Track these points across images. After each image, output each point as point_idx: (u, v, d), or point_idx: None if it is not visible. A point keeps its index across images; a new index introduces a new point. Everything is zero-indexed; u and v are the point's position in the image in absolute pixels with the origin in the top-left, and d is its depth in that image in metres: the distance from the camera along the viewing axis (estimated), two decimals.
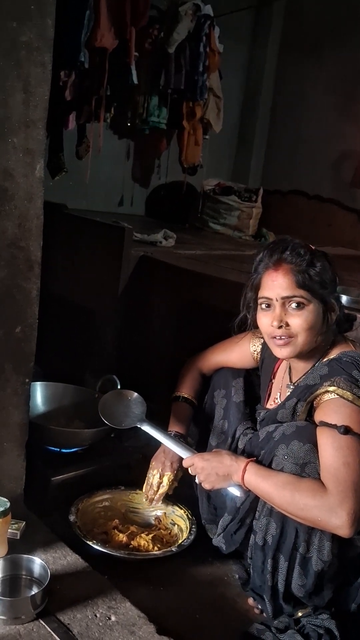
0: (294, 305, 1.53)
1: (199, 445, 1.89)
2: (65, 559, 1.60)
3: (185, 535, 1.84)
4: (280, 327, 1.53)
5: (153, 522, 1.95)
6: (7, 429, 1.64)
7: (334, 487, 1.35)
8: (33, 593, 1.41)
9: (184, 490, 1.90)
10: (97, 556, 1.66)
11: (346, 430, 1.39)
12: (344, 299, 1.95)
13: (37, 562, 1.48)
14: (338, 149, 4.97)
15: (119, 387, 2.13)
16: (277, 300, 1.54)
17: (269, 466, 1.50)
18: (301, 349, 1.56)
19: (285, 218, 5.06)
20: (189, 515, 1.90)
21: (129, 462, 2.15)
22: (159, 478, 1.85)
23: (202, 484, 1.62)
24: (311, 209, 5.16)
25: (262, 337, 1.69)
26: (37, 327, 1.62)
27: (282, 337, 1.54)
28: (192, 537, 1.81)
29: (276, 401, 1.73)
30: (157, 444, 1.86)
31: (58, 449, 2.10)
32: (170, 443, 1.75)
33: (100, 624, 1.39)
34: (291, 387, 1.68)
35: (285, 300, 1.53)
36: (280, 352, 1.58)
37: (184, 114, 4.05)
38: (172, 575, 1.73)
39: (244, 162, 5.66)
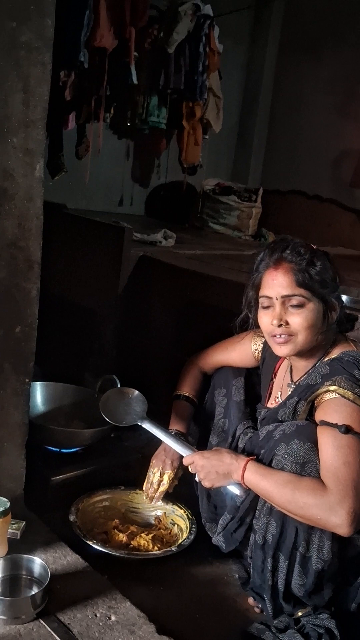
0: (294, 304, 1.53)
1: (200, 444, 1.90)
2: (65, 558, 1.60)
3: (185, 535, 1.84)
4: (280, 325, 1.54)
5: (153, 521, 1.95)
6: (7, 429, 1.64)
7: (334, 486, 1.36)
8: (33, 593, 1.41)
9: (184, 490, 1.90)
10: (97, 556, 1.66)
11: (347, 430, 1.40)
12: (344, 298, 1.95)
13: (37, 562, 1.48)
14: (337, 149, 4.97)
15: (118, 386, 2.13)
16: (277, 299, 1.55)
17: (269, 465, 1.50)
18: (301, 348, 1.56)
19: (284, 218, 5.06)
20: (189, 515, 1.90)
21: (129, 462, 2.15)
22: (159, 476, 1.85)
23: (202, 482, 1.62)
24: (310, 209, 5.16)
25: (264, 336, 1.69)
26: (36, 327, 1.62)
27: (282, 336, 1.55)
28: (192, 536, 1.81)
29: (277, 400, 1.73)
30: (158, 443, 1.86)
31: (58, 449, 2.10)
32: (170, 441, 1.75)
33: (100, 623, 1.39)
34: (292, 386, 1.68)
35: (285, 299, 1.54)
36: (280, 350, 1.59)
37: (183, 113, 4.05)
38: (172, 575, 1.73)
39: (244, 162, 5.66)
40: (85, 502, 1.90)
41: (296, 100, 5.28)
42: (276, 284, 1.55)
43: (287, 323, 1.54)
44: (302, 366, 1.66)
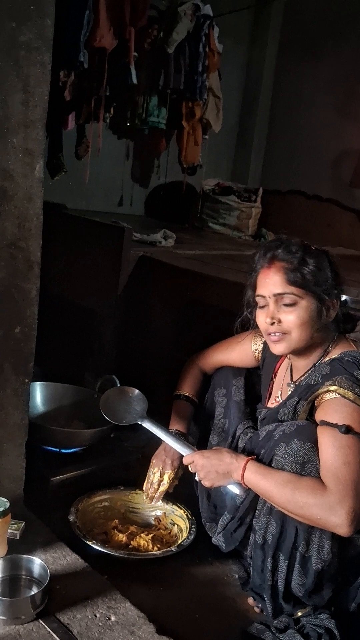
0: (286, 302, 1.55)
1: (200, 444, 1.90)
2: (65, 559, 1.60)
3: (184, 535, 1.84)
4: (272, 323, 1.56)
5: (153, 522, 1.95)
6: (7, 429, 1.64)
7: (334, 485, 1.36)
8: (33, 593, 1.40)
9: (183, 490, 1.90)
10: (97, 556, 1.66)
11: (347, 430, 1.40)
12: (344, 298, 1.95)
13: (37, 562, 1.48)
14: (337, 149, 4.97)
15: (118, 386, 2.13)
16: (270, 298, 1.57)
17: (269, 465, 1.50)
18: (296, 345, 1.57)
19: (284, 218, 5.06)
20: (189, 515, 1.90)
21: (129, 462, 2.15)
22: (159, 476, 1.85)
23: (202, 482, 1.62)
24: (310, 209, 5.16)
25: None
26: (36, 327, 1.62)
27: (276, 334, 1.57)
28: (191, 537, 1.81)
29: (277, 400, 1.73)
30: (157, 443, 1.86)
31: (58, 449, 2.10)
32: (170, 440, 1.75)
33: (100, 624, 1.39)
34: (292, 385, 1.68)
35: (278, 297, 1.55)
36: (275, 348, 1.60)
37: (183, 114, 4.05)
38: (172, 575, 1.73)
39: (244, 162, 5.66)
40: (85, 503, 1.90)
41: (296, 100, 5.28)
42: (268, 282, 1.57)
43: (279, 321, 1.56)
44: (302, 365, 1.66)
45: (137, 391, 1.90)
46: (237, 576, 1.76)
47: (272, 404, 1.76)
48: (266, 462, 1.52)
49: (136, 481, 1.95)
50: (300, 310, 1.54)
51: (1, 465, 1.65)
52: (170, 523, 1.93)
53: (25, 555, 1.51)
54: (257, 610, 1.63)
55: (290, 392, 1.66)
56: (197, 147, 4.23)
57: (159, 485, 1.85)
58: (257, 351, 1.86)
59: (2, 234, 1.50)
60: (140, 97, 3.90)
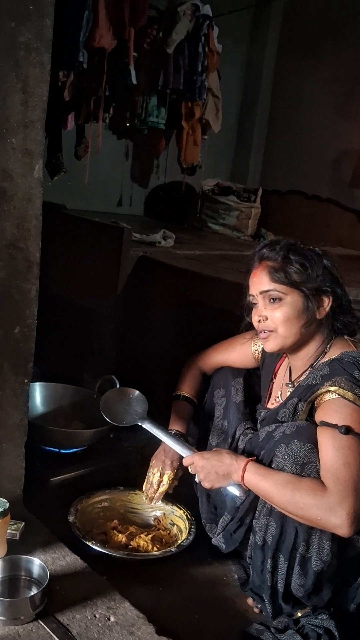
0: (271, 299, 1.58)
1: (199, 444, 1.90)
2: (64, 559, 1.60)
3: (184, 535, 1.84)
4: (259, 321, 1.59)
5: (152, 522, 1.95)
6: (6, 430, 1.63)
7: (334, 486, 1.36)
8: (32, 594, 1.40)
9: (183, 491, 1.90)
10: (96, 557, 1.66)
11: (347, 430, 1.40)
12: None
13: (36, 563, 1.48)
14: (337, 149, 4.97)
15: (118, 387, 2.13)
16: (257, 296, 1.61)
17: (269, 466, 1.50)
18: (284, 342, 1.59)
19: (284, 218, 5.06)
20: (188, 516, 1.90)
21: (128, 463, 2.15)
22: (159, 477, 1.85)
23: (202, 483, 1.62)
24: (310, 209, 5.16)
25: None
26: (36, 328, 1.62)
27: (265, 331, 1.60)
28: (191, 537, 1.81)
29: (277, 400, 1.73)
30: (157, 444, 1.86)
31: (57, 450, 2.10)
32: (170, 441, 1.75)
33: (100, 624, 1.39)
34: (290, 385, 1.68)
35: (264, 294, 1.59)
36: (265, 346, 1.63)
37: (182, 114, 4.05)
38: (171, 575, 1.73)
39: (243, 162, 5.66)
40: (85, 503, 1.90)
41: (296, 100, 5.28)
42: (255, 281, 1.61)
43: (266, 318, 1.59)
44: (299, 365, 1.66)
45: (137, 392, 1.90)
46: (236, 576, 1.76)
47: (271, 404, 1.76)
48: (266, 463, 1.52)
49: (136, 481, 1.95)
50: (285, 307, 1.56)
51: (1, 466, 1.65)
52: (169, 523, 1.93)
53: (24, 556, 1.51)
54: (256, 610, 1.63)
55: (289, 393, 1.66)
56: (196, 147, 4.23)
57: (158, 486, 1.85)
58: (257, 352, 1.86)
59: (2, 235, 1.50)
60: (140, 97, 3.90)
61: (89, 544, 1.70)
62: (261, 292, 1.59)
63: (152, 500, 1.88)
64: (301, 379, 1.65)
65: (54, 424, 2.20)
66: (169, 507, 1.95)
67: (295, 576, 1.48)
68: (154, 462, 1.87)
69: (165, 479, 1.84)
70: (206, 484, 1.61)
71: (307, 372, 1.63)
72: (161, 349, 2.62)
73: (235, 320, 1.78)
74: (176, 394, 1.95)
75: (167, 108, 3.99)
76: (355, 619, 1.55)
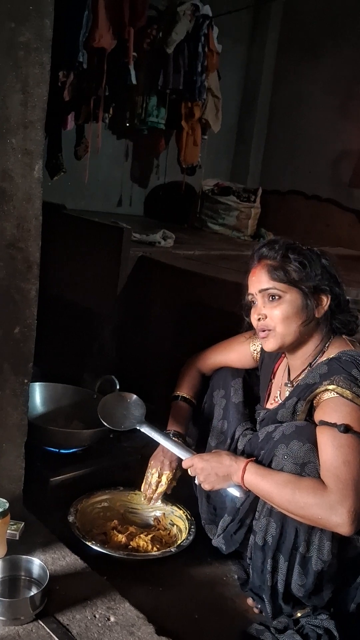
0: (270, 297, 1.58)
1: (199, 445, 1.90)
2: (64, 559, 1.60)
3: (184, 535, 1.84)
4: (259, 319, 1.59)
5: (152, 522, 1.95)
6: (6, 430, 1.63)
7: (334, 485, 1.36)
8: (32, 594, 1.40)
9: (183, 491, 1.90)
10: (96, 557, 1.66)
11: (346, 429, 1.40)
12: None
13: (36, 563, 1.48)
14: (337, 149, 4.97)
15: (117, 387, 2.12)
16: (256, 295, 1.61)
17: (269, 466, 1.50)
18: (283, 340, 1.59)
19: (283, 218, 5.07)
20: (188, 516, 1.90)
21: (128, 463, 2.15)
22: (157, 477, 1.85)
23: (202, 485, 1.62)
24: (310, 209, 5.17)
25: None
26: (35, 328, 1.62)
27: (264, 330, 1.59)
28: (191, 537, 1.81)
29: (276, 400, 1.73)
30: (156, 444, 1.86)
31: (57, 450, 2.09)
32: (170, 445, 1.75)
33: (100, 624, 1.39)
34: (289, 385, 1.68)
35: (263, 293, 1.59)
36: (265, 345, 1.63)
37: (182, 114, 4.05)
38: (171, 575, 1.73)
39: (243, 162, 5.67)
40: (85, 503, 1.90)
41: (295, 100, 5.28)
42: (254, 280, 1.62)
43: (265, 317, 1.59)
44: (298, 364, 1.66)
45: (134, 396, 1.90)
46: (236, 577, 1.76)
47: (271, 404, 1.76)
48: (266, 463, 1.52)
49: (135, 482, 1.95)
50: (284, 305, 1.56)
51: (0, 466, 1.65)
52: (169, 524, 1.93)
53: (24, 556, 1.51)
54: (256, 610, 1.63)
55: (288, 393, 1.66)
56: (196, 147, 4.23)
57: (156, 487, 1.86)
58: (255, 352, 1.86)
59: (1, 235, 1.50)
60: (140, 97, 3.90)
61: (89, 544, 1.70)
62: (260, 291, 1.59)
63: (150, 501, 1.88)
64: (300, 378, 1.65)
65: (54, 424, 2.19)
66: (168, 508, 1.94)
67: (296, 576, 1.48)
68: (152, 462, 1.87)
69: (164, 479, 1.84)
70: (206, 486, 1.60)
71: (306, 371, 1.63)
72: (161, 349, 2.62)
73: (236, 320, 1.78)
74: (175, 394, 1.95)
75: (166, 108, 3.99)
76: (355, 619, 1.55)
